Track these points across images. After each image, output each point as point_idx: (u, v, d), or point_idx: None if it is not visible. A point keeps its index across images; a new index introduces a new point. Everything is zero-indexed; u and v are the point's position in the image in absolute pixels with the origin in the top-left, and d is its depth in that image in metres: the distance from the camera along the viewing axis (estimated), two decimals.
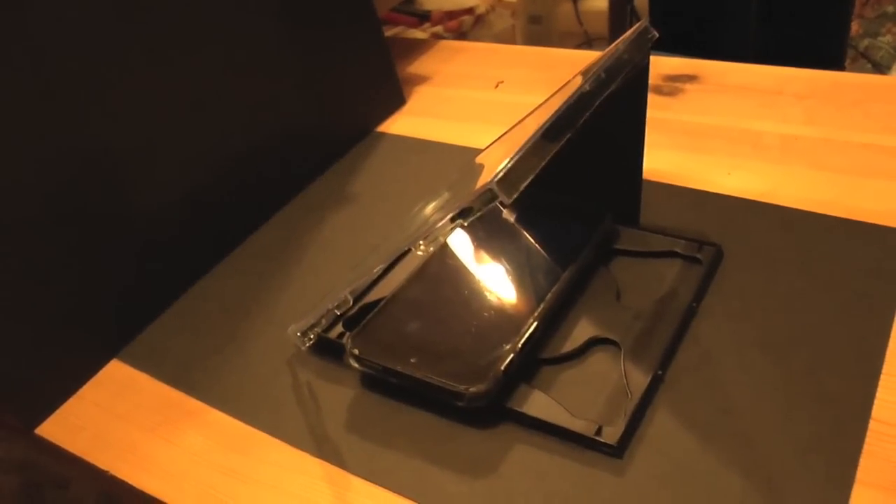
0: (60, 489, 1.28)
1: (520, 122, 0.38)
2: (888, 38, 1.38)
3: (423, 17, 1.86)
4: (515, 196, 0.32)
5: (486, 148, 0.35)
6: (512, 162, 0.33)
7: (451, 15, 1.78)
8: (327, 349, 0.47)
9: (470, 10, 1.76)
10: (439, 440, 0.41)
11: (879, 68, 1.36)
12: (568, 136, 0.37)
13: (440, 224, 0.35)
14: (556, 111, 0.38)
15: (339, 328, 0.47)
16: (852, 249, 0.47)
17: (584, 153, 0.50)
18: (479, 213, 0.33)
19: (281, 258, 0.56)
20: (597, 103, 0.41)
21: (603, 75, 0.45)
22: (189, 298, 0.55)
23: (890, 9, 1.35)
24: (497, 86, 0.72)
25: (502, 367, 0.41)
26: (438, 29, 1.66)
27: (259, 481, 0.42)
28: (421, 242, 0.36)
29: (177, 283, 0.55)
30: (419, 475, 0.40)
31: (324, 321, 0.46)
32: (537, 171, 0.34)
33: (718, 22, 1.06)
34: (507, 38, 1.76)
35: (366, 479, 0.40)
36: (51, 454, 0.48)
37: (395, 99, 0.70)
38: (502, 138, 0.36)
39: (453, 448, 0.41)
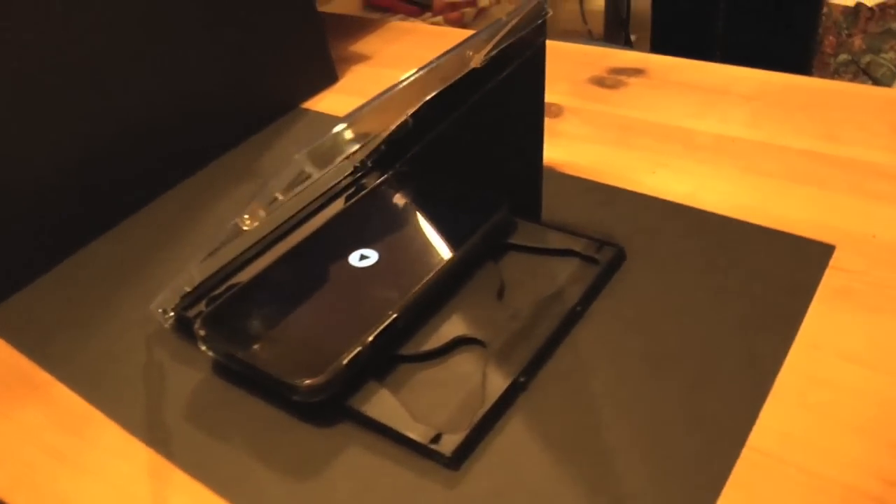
0: None
1: (393, 89, 0.35)
2: (891, 55, 1.32)
3: (425, 6, 1.83)
4: (327, 170, 0.29)
5: (351, 114, 0.31)
6: (328, 136, 0.29)
7: (454, 6, 1.74)
8: (188, 328, 0.44)
9: (472, 2, 1.72)
10: (273, 435, 0.38)
11: (879, 85, 1.30)
12: (410, 114, 0.33)
13: (256, 198, 0.31)
14: (413, 81, 0.34)
15: (203, 307, 0.44)
16: (766, 260, 0.43)
17: (472, 136, 0.47)
18: (288, 184, 0.30)
19: (172, 231, 0.53)
20: (458, 80, 0.37)
21: (493, 52, 0.41)
22: (69, 265, 0.52)
23: (894, 25, 1.30)
24: None
25: (345, 362, 0.37)
26: (439, 19, 1.63)
27: (82, 466, 0.38)
28: (246, 216, 0.33)
29: (56, 249, 0.51)
30: (242, 473, 0.36)
31: (179, 299, 0.43)
32: (359, 148, 0.30)
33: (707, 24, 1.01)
34: None
35: (188, 472, 0.37)
36: None
37: (325, 76, 0.66)
38: (372, 105, 0.32)
39: (285, 445, 0.37)
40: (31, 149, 0.49)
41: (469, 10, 1.74)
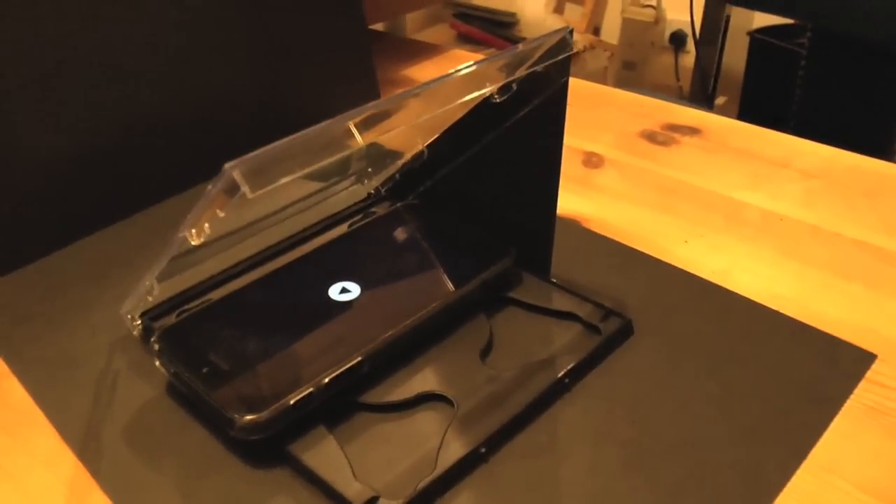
0: None
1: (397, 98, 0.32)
2: None
3: (517, 43, 1.80)
4: (262, 191, 0.26)
5: (304, 132, 0.28)
6: (268, 149, 0.26)
7: None
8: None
9: None
10: (205, 470, 0.34)
11: None
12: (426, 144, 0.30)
13: (197, 207, 0.28)
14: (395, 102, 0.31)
15: (173, 319, 0.41)
16: (793, 359, 0.38)
17: (484, 176, 0.43)
18: (222, 200, 0.27)
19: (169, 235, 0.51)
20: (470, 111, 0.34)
21: (513, 87, 0.38)
22: (62, 255, 0.50)
23: None
24: None
25: (292, 402, 0.34)
26: None
27: (4, 469, 0.36)
28: (193, 230, 0.30)
29: (48, 239, 0.50)
30: None
31: (143, 306, 0.40)
32: (306, 170, 0.27)
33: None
34: (597, 79, 1.67)
35: (108, 495, 0.34)
36: None
37: (367, 96, 0.64)
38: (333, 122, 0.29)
39: (214, 483, 0.34)
40: (38, 138, 0.48)
41: None
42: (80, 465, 0.36)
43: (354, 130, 0.31)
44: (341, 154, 0.29)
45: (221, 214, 0.27)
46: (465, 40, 1.97)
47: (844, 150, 0.54)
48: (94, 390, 0.40)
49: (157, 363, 0.38)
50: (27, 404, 0.39)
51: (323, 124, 0.28)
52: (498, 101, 0.38)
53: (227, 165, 0.25)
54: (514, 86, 0.38)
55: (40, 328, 0.44)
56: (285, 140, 0.27)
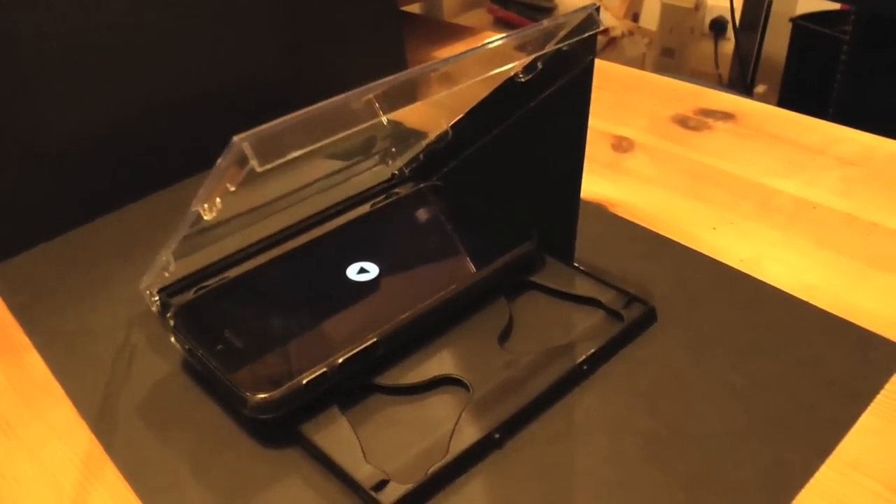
0: None
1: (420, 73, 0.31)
2: None
3: None
4: (271, 164, 0.25)
5: (317, 106, 0.28)
6: (280, 122, 0.26)
7: None
8: None
9: (605, 31, 1.66)
10: (216, 448, 0.34)
11: None
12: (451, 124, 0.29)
13: (208, 182, 0.28)
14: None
15: (191, 295, 0.41)
16: (823, 352, 0.37)
17: (508, 158, 0.42)
18: (231, 174, 0.26)
19: None
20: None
21: (538, 66, 0.37)
22: (87, 230, 0.50)
23: None
24: None
25: (305, 381, 0.33)
26: None
27: (22, 440, 0.36)
28: (205, 204, 0.29)
29: (74, 213, 0.50)
30: (171, 483, 0.33)
31: (160, 282, 0.40)
32: (319, 144, 0.26)
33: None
34: (635, 66, 1.65)
35: (120, 470, 0.34)
36: None
37: None
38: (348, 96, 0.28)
39: (225, 461, 0.34)
40: (61, 116, 0.48)
41: (600, 39, 1.69)
42: (93, 439, 0.36)
43: (376, 104, 0.30)
44: (353, 128, 0.28)
45: (232, 189, 0.27)
46: (503, 25, 1.96)
47: (885, 138, 0.52)
48: (111, 365, 0.40)
49: (173, 339, 0.38)
50: (46, 377, 0.39)
51: (337, 98, 0.28)
52: (523, 80, 0.38)
53: (235, 138, 0.25)
54: (540, 64, 0.37)
55: (62, 302, 0.44)
56: (297, 113, 0.26)
